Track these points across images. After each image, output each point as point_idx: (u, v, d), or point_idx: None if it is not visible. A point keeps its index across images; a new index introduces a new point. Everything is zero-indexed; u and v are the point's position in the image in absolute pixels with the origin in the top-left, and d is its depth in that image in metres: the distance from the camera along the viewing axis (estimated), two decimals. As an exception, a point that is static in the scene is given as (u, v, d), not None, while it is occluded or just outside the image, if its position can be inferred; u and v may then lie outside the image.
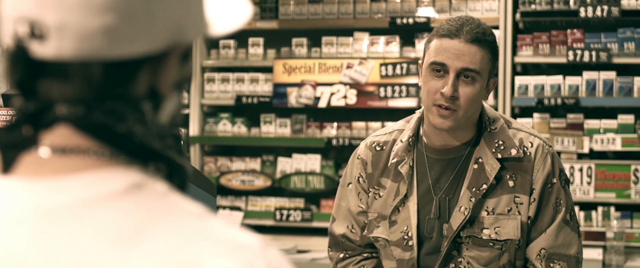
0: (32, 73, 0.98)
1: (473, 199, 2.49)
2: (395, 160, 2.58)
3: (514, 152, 2.51)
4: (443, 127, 2.47)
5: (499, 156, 2.51)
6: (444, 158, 2.56)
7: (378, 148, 2.64)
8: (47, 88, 0.99)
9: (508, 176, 2.51)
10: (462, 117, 2.46)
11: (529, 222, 2.52)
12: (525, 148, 2.53)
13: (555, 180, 2.53)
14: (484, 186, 2.50)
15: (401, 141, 2.59)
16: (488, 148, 2.52)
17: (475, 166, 2.51)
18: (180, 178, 1.03)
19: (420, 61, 2.55)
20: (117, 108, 0.98)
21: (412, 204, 2.55)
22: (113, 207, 0.95)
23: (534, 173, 2.51)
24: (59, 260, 0.92)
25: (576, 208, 4.91)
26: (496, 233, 2.49)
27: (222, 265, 0.93)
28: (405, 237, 2.55)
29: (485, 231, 2.50)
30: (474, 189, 2.50)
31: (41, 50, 0.97)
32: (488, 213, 2.50)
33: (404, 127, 2.64)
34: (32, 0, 0.97)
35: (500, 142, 2.52)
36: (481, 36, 2.45)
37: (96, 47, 0.96)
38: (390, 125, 2.71)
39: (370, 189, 2.63)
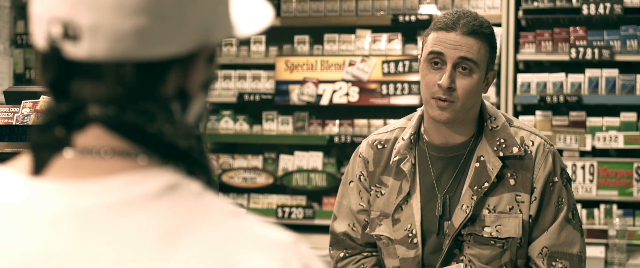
0: (64, 73, 1.00)
1: (474, 197, 2.49)
2: (397, 158, 2.58)
3: (515, 150, 2.50)
4: (441, 119, 2.46)
5: (501, 154, 2.51)
6: (445, 156, 2.56)
7: (379, 147, 2.64)
8: (79, 89, 1.00)
9: (509, 174, 2.51)
10: (461, 109, 2.46)
11: (531, 220, 2.52)
12: (526, 147, 2.52)
13: (556, 179, 2.53)
14: (486, 184, 2.49)
15: (403, 139, 2.59)
16: (490, 146, 2.52)
17: (477, 164, 2.51)
18: (205, 178, 1.05)
19: (418, 56, 2.56)
20: (148, 108, 1.00)
21: (416, 202, 2.55)
22: (150, 208, 0.96)
23: (535, 172, 2.51)
24: (98, 262, 0.94)
25: (578, 206, 4.92)
26: (497, 231, 2.49)
27: (260, 263, 0.95)
28: (410, 234, 2.55)
29: (486, 229, 2.49)
30: (475, 187, 2.50)
31: (74, 50, 0.98)
32: (489, 212, 2.50)
33: (406, 125, 2.64)
34: (66, 1, 0.98)
35: (502, 140, 2.52)
36: (478, 28, 2.45)
37: (128, 48, 0.98)
38: (392, 123, 2.71)
39: (372, 187, 2.63)
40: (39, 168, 1.01)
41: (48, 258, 0.95)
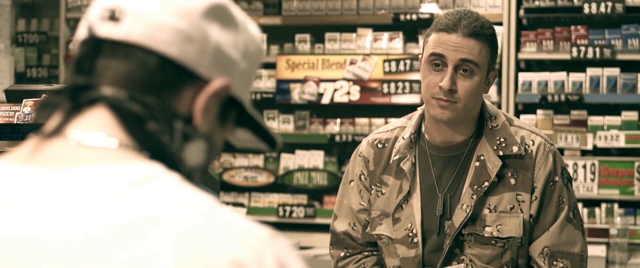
0: (94, 49, 1.07)
1: (475, 196, 2.49)
2: (397, 157, 2.58)
3: (515, 149, 2.50)
4: (443, 118, 2.46)
5: (501, 153, 2.50)
6: (445, 156, 2.55)
7: (380, 146, 2.64)
8: (102, 69, 1.07)
9: (510, 174, 2.51)
10: (462, 109, 2.46)
11: (531, 220, 2.51)
12: (526, 146, 2.52)
13: (557, 178, 2.52)
14: (486, 183, 2.49)
15: (403, 138, 2.59)
16: (490, 145, 2.51)
17: (477, 163, 2.51)
18: None
19: (419, 55, 2.55)
20: (155, 106, 1.06)
21: (416, 201, 2.55)
22: (126, 197, 0.98)
23: (535, 171, 2.50)
24: (73, 245, 0.96)
25: (580, 205, 4.92)
26: (498, 231, 2.49)
27: (232, 254, 0.95)
28: (410, 234, 2.55)
29: (487, 228, 2.49)
30: (475, 186, 2.49)
31: (112, 30, 1.07)
32: (490, 211, 2.49)
33: (406, 124, 2.64)
34: None
35: (502, 139, 2.52)
36: (479, 30, 2.44)
37: (162, 39, 1.07)
38: (392, 123, 2.71)
39: (373, 187, 2.63)
40: (43, 120, 1.07)
41: (25, 243, 0.97)
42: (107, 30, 1.07)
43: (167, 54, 1.07)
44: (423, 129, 2.59)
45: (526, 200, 2.50)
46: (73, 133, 1.04)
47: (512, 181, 2.51)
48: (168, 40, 1.07)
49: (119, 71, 1.06)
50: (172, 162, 1.06)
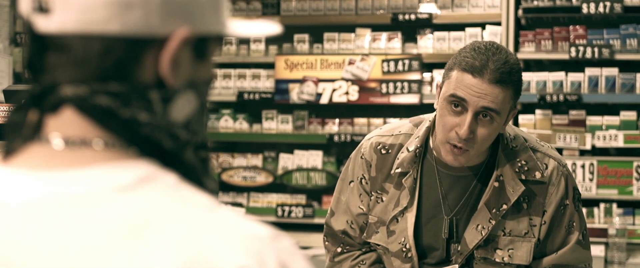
0: (38, 50, 0.98)
1: (493, 221, 2.43)
2: (399, 170, 2.50)
3: (538, 175, 2.44)
4: (454, 164, 2.39)
5: (523, 177, 2.44)
6: (455, 174, 2.47)
7: (383, 152, 2.54)
8: (53, 67, 0.98)
9: (522, 198, 2.45)
10: (475, 154, 2.38)
11: (539, 243, 2.48)
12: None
13: (567, 202, 2.48)
14: (505, 206, 2.43)
15: (408, 150, 2.50)
16: (510, 167, 2.44)
17: (496, 184, 2.43)
18: (196, 183, 1.01)
19: (437, 83, 2.41)
20: (121, 91, 0.97)
21: (411, 216, 2.49)
22: (122, 199, 0.94)
23: (547, 196, 2.46)
24: (67, 252, 0.92)
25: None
26: (509, 256, 2.45)
27: (232, 256, 0.92)
28: (404, 248, 2.51)
29: (498, 252, 2.45)
30: (494, 210, 2.43)
31: (46, 24, 0.97)
32: (504, 234, 2.45)
33: (412, 132, 2.53)
34: None
35: (523, 162, 2.44)
36: (506, 76, 2.28)
37: (99, 20, 0.96)
38: (397, 125, 2.60)
39: (373, 192, 2.56)
40: (10, 152, 0.99)
41: (16, 248, 0.93)
42: (42, 25, 0.97)
43: (110, 33, 0.96)
44: (431, 144, 2.49)
45: (537, 224, 2.46)
46: (54, 137, 0.98)
47: (525, 205, 2.46)
48: (105, 18, 0.96)
49: (71, 66, 0.97)
50: (161, 141, 0.99)
